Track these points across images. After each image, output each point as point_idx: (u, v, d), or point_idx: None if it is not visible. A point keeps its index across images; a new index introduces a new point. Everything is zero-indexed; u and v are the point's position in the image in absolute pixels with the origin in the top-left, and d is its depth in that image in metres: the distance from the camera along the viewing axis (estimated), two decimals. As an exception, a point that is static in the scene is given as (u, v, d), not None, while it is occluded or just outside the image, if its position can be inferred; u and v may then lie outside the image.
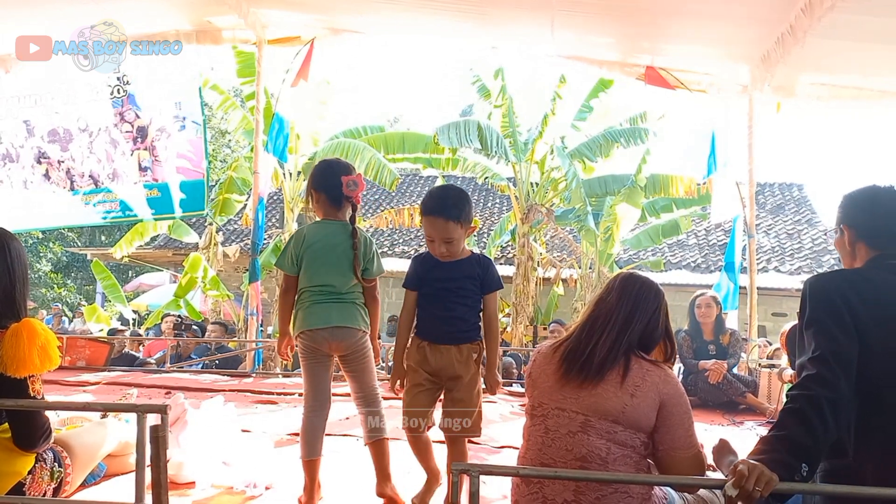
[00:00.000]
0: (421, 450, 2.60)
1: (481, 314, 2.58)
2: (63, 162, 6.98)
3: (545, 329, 9.66)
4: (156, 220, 8.19)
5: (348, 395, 2.84)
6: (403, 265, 7.10)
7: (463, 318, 2.52)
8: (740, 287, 7.10)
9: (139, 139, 6.82)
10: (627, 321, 2.01)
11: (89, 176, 6.95)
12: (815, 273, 1.93)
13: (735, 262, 7.06)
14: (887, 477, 1.65)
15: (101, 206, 6.99)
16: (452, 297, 2.52)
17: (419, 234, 15.16)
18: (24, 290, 2.28)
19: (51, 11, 6.14)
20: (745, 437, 4.31)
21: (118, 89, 6.75)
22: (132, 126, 6.83)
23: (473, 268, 2.53)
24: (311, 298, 2.69)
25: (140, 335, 10.66)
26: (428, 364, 2.51)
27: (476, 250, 2.77)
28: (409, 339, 2.62)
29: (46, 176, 7.01)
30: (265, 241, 9.75)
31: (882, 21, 4.89)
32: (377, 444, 2.63)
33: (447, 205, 2.47)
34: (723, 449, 2.16)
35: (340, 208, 2.77)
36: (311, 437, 2.68)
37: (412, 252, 14.47)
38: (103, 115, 6.88)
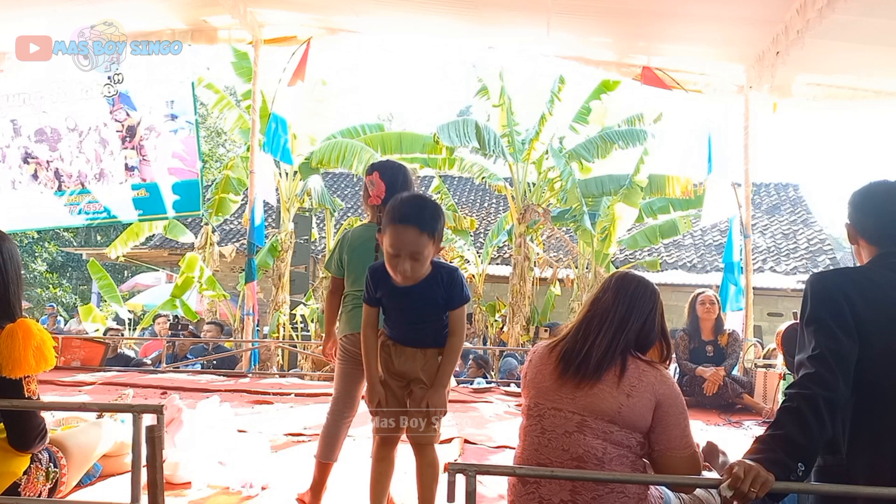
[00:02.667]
0: (381, 474, 2.35)
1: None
2: (52, 162, 6.93)
3: (545, 330, 9.67)
4: (142, 220, 8.13)
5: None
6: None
7: (428, 334, 2.29)
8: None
9: (128, 138, 6.78)
10: (624, 321, 2.01)
11: (77, 176, 6.90)
12: (812, 273, 1.93)
13: (733, 263, 7.08)
14: (878, 475, 1.65)
15: (88, 207, 6.93)
16: (414, 321, 2.29)
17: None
18: (18, 291, 2.27)
19: (51, 11, 6.12)
20: (741, 437, 4.32)
21: (108, 88, 6.71)
22: (122, 125, 6.79)
23: (435, 292, 2.22)
24: (354, 302, 2.70)
25: (124, 336, 10.62)
26: (393, 365, 2.30)
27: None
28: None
29: (35, 176, 6.97)
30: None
31: (878, 22, 4.90)
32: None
33: (424, 215, 2.14)
34: (712, 451, 2.16)
35: (380, 212, 2.73)
36: (330, 440, 2.69)
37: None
38: (93, 114, 6.84)
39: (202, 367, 7.26)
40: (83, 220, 7.15)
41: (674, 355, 5.27)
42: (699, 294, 5.66)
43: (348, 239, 2.78)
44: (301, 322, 10.05)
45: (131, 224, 10.42)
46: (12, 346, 2.11)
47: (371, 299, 2.31)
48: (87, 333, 9.98)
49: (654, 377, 1.96)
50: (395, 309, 2.29)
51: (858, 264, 1.98)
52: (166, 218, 7.38)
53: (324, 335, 2.99)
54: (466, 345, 9.32)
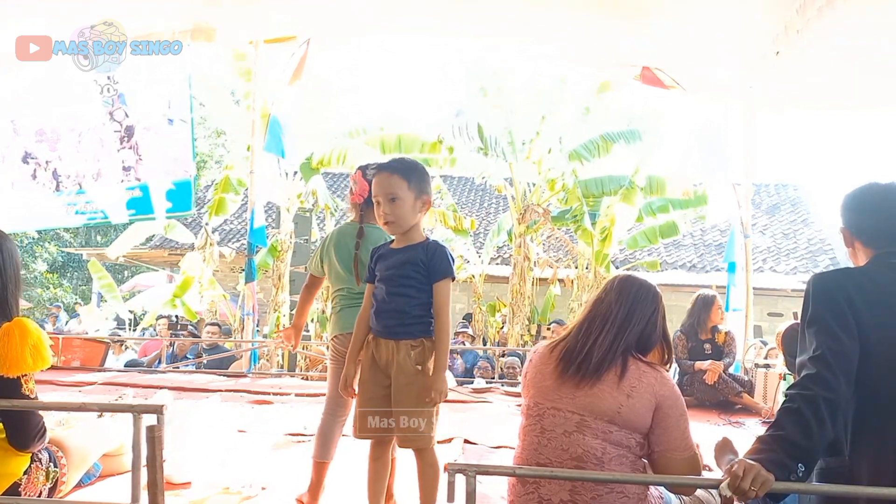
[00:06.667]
0: (377, 473, 2.37)
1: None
2: (50, 162, 6.92)
3: (548, 329, 9.69)
4: (132, 221, 8.10)
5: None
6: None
7: (401, 311, 2.28)
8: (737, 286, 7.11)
9: (126, 138, 6.77)
10: (625, 322, 2.01)
11: (75, 176, 6.89)
12: (813, 272, 1.93)
13: (734, 263, 7.08)
14: (881, 477, 1.65)
15: (86, 207, 6.91)
16: (391, 287, 2.30)
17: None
18: (17, 291, 2.28)
19: (51, 11, 6.11)
20: (742, 436, 4.32)
21: (108, 88, 6.70)
22: (121, 125, 6.77)
23: (418, 253, 2.27)
24: (341, 302, 2.77)
25: (121, 339, 10.61)
26: (375, 360, 2.33)
27: (437, 240, 2.42)
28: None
29: (33, 176, 6.95)
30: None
31: (880, 21, 4.89)
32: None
33: (395, 162, 2.34)
34: (725, 447, 2.16)
35: (362, 210, 2.80)
36: (325, 439, 2.72)
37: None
38: (93, 114, 6.82)
39: (200, 367, 7.26)
40: (81, 221, 7.13)
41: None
42: (711, 297, 5.57)
43: (328, 238, 2.86)
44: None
45: (131, 224, 10.40)
46: (9, 345, 2.11)
47: (370, 275, 2.41)
48: (86, 334, 9.98)
49: (654, 378, 1.96)
50: (381, 280, 2.34)
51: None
52: (154, 218, 7.31)
53: (295, 326, 3.11)
54: (466, 346, 9.37)
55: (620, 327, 2.00)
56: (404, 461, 2.72)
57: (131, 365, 7.59)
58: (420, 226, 2.35)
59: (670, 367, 2.16)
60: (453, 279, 2.31)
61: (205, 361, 7.38)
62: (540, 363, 2.06)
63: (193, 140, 6.93)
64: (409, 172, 2.29)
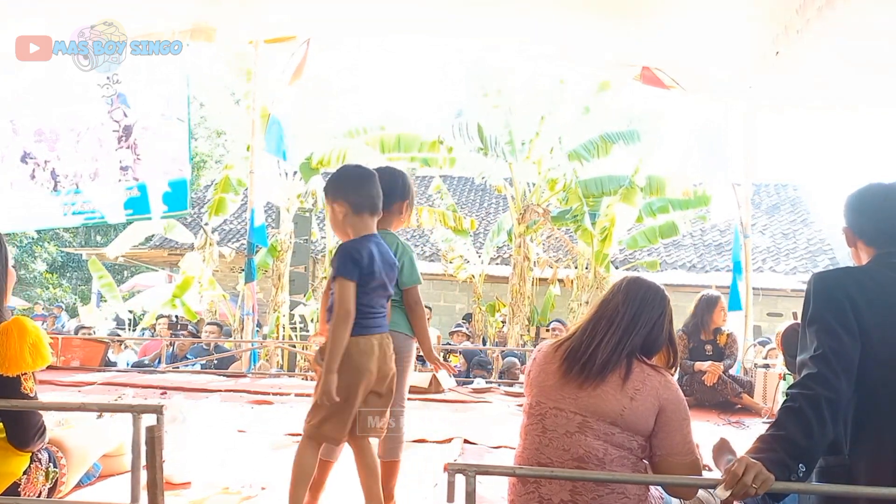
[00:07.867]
0: (361, 470, 2.40)
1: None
2: (49, 162, 6.91)
3: (547, 330, 9.69)
4: (130, 221, 8.09)
5: None
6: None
7: (326, 311, 2.38)
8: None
9: (124, 138, 6.76)
10: (631, 324, 2.01)
11: (73, 176, 6.88)
12: (813, 272, 1.93)
13: (739, 263, 7.09)
14: (880, 476, 1.65)
15: (84, 207, 6.90)
16: None
17: (415, 233, 15.18)
18: (5, 287, 2.26)
19: (51, 11, 6.11)
20: (742, 437, 4.32)
21: (107, 88, 6.69)
22: (119, 125, 6.77)
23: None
24: None
25: (120, 337, 10.61)
26: None
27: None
28: None
29: (32, 176, 6.94)
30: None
31: (879, 20, 4.89)
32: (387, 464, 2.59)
33: (329, 179, 2.37)
34: (723, 448, 2.16)
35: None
36: None
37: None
38: (92, 114, 6.81)
39: (210, 367, 7.26)
40: (79, 221, 7.13)
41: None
42: (715, 297, 5.55)
43: None
44: (300, 322, 10.04)
45: (130, 224, 10.40)
46: (8, 344, 2.11)
47: None
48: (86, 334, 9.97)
49: (658, 381, 1.95)
50: None
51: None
52: (151, 218, 7.30)
53: None
54: (468, 345, 9.37)
55: (626, 329, 2.00)
56: (405, 463, 2.72)
57: (137, 366, 7.58)
58: (355, 228, 2.29)
59: (676, 370, 2.15)
60: (346, 279, 2.20)
61: (215, 361, 7.39)
62: (544, 362, 2.05)
63: (190, 139, 6.92)
64: (328, 187, 2.35)
